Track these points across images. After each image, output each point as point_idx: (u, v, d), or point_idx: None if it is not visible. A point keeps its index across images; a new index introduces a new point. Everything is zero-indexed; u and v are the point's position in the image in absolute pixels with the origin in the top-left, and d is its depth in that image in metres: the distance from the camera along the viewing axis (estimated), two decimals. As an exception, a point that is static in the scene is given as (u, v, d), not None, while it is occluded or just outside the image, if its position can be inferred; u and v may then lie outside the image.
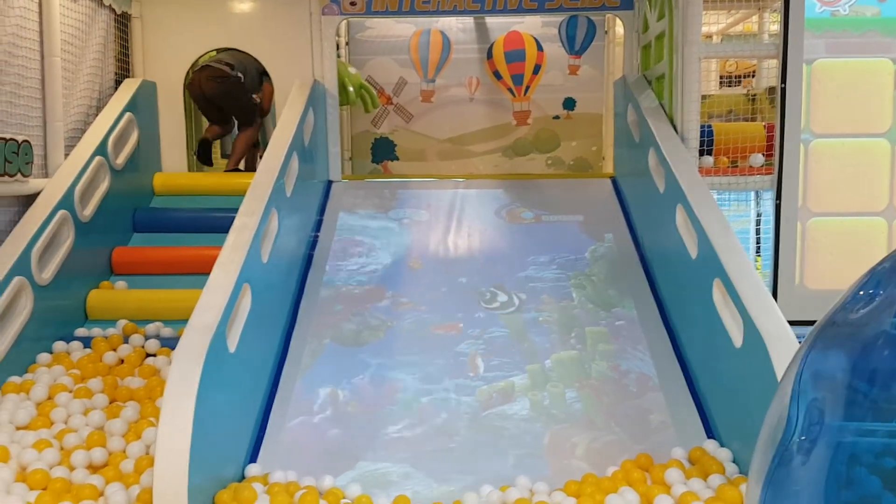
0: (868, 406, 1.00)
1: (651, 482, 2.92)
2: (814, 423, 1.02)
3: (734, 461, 3.00)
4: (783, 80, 4.02)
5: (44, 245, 3.73)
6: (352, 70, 6.12)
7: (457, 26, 6.56)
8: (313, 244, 4.63)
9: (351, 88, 5.89)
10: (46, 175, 4.10)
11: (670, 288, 4.04)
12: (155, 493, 2.47)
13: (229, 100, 5.26)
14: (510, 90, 6.35)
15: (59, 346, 3.76)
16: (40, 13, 4.07)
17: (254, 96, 5.45)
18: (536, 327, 3.97)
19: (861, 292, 1.09)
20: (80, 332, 3.97)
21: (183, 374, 2.65)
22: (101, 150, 4.36)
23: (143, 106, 5.02)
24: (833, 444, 0.98)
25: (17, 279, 3.49)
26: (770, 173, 4.16)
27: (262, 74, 5.42)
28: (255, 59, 5.39)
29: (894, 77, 4.18)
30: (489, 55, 6.46)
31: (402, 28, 6.57)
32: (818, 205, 4.10)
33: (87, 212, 4.16)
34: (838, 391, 1.02)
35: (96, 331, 3.95)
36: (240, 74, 5.38)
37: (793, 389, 1.06)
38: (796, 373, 1.08)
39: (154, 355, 3.77)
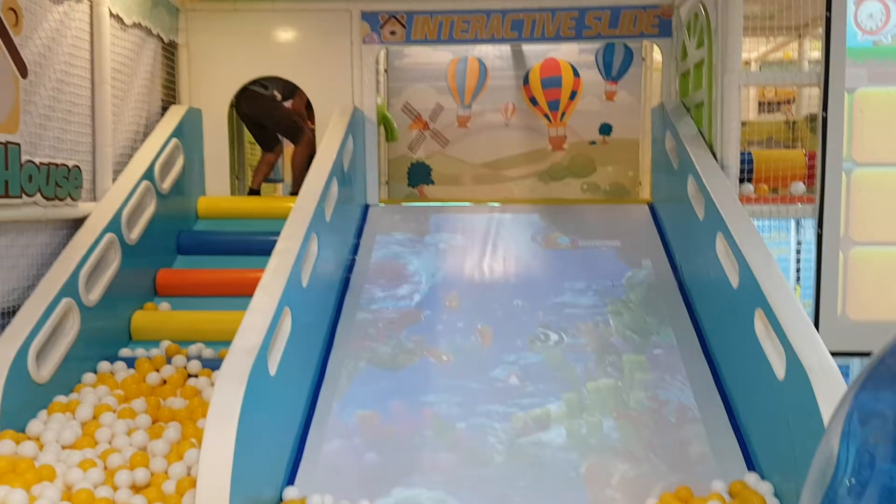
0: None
1: (691, 515, 2.88)
2: (864, 465, 1.01)
3: (776, 495, 2.95)
4: (825, 108, 3.99)
5: (91, 267, 3.83)
6: (378, 100, 6.22)
7: (493, 53, 6.63)
8: (350, 267, 4.68)
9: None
10: (94, 199, 4.22)
11: (710, 316, 4.00)
12: (196, 514, 2.51)
13: (268, 118, 5.44)
14: (546, 116, 6.40)
15: (104, 366, 3.84)
16: (91, 42, 4.22)
17: (289, 108, 5.61)
18: (573, 354, 3.95)
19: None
20: (125, 352, 4.06)
21: (226, 396, 2.70)
22: (148, 174, 4.49)
23: (189, 132, 5.16)
24: (885, 488, 0.97)
25: (65, 300, 3.59)
26: (811, 202, 4.11)
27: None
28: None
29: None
30: (525, 81, 6.52)
31: (439, 55, 6.66)
32: (860, 234, 4.03)
33: (134, 235, 4.27)
34: (890, 434, 1.01)
35: (140, 351, 4.04)
36: (275, 93, 5.55)
37: (843, 430, 1.06)
38: (846, 413, 1.07)
39: (196, 376, 3.83)
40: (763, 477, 3.08)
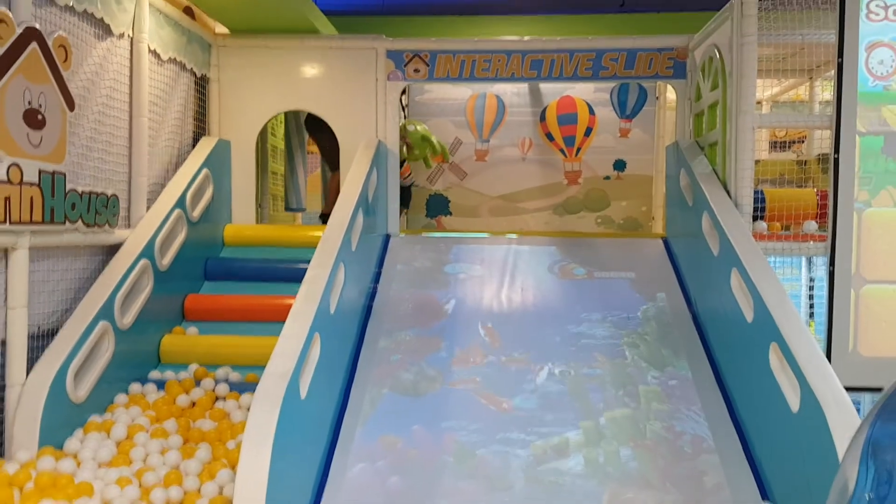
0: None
1: (707, 543, 2.96)
2: (882, 482, 1.12)
3: (790, 526, 3.03)
4: (836, 150, 4.13)
5: (126, 292, 3.97)
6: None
7: (511, 90, 6.84)
8: (373, 295, 4.81)
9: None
10: (129, 226, 4.38)
11: (725, 350, 4.10)
12: (232, 531, 2.61)
13: (315, 140, 5.59)
14: (562, 151, 6.57)
15: (136, 387, 3.97)
16: (131, 76, 4.41)
17: None
18: (590, 384, 4.05)
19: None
20: (154, 374, 4.18)
21: (262, 417, 2.81)
22: (180, 203, 4.65)
23: (218, 162, 5.33)
24: (902, 502, 1.08)
25: (102, 323, 3.73)
26: (823, 240, 4.23)
27: None
28: None
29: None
30: (542, 118, 6.71)
31: (459, 92, 6.87)
32: (871, 273, 4.15)
33: (166, 261, 4.42)
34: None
35: (169, 374, 4.17)
36: None
37: (862, 451, 1.17)
38: (866, 436, 1.19)
39: (224, 399, 3.95)
40: (777, 508, 3.16)
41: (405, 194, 6.38)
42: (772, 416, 3.32)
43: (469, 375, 4.15)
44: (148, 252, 4.23)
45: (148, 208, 4.50)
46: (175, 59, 4.94)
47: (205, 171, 5.04)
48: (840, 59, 4.17)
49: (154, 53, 4.60)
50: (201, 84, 5.48)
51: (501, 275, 5.09)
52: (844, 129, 4.13)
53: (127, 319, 3.97)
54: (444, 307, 4.75)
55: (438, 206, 6.92)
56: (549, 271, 5.13)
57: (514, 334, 4.48)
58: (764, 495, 3.32)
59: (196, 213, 4.87)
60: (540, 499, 3.37)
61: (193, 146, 5.27)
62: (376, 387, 4.07)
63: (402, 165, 6.10)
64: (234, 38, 5.57)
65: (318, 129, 5.85)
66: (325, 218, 6.02)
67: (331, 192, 6.10)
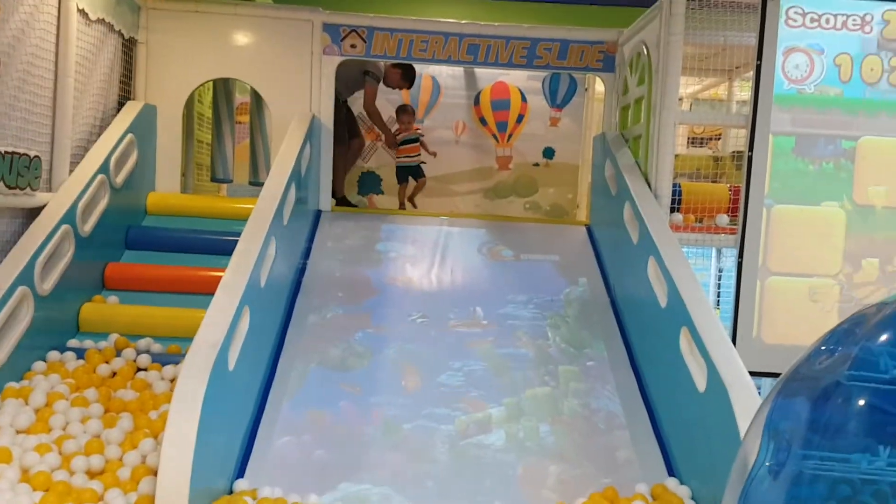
0: (824, 440, 1.25)
1: (617, 513, 3.15)
2: (781, 450, 1.26)
3: (693, 498, 3.24)
4: (751, 148, 4.38)
5: (47, 257, 3.86)
6: None
7: (447, 73, 6.89)
8: (303, 271, 4.82)
9: None
10: (50, 189, 4.23)
11: (639, 332, 4.32)
12: (157, 500, 2.61)
13: None
14: (494, 136, 6.69)
15: (54, 355, 3.87)
16: (58, 35, 4.24)
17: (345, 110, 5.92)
18: (513, 363, 4.20)
19: (823, 348, 1.35)
20: (73, 343, 4.08)
21: (190, 386, 2.81)
22: (103, 168, 4.52)
23: (143, 128, 5.19)
24: (797, 470, 1.22)
25: (21, 289, 3.61)
26: (734, 233, 4.49)
27: (366, 74, 5.88)
28: (362, 62, 5.79)
29: (852, 152, 4.56)
30: (476, 102, 6.80)
31: (394, 70, 6.85)
32: (776, 265, 4.44)
33: (87, 227, 4.30)
34: (801, 428, 1.26)
35: (88, 343, 4.07)
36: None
37: (764, 425, 1.31)
38: (768, 412, 1.33)
39: (145, 370, 3.90)
40: (682, 482, 3.38)
41: (415, 172, 6.42)
42: (680, 395, 3.54)
43: (397, 352, 4.23)
44: (70, 217, 4.11)
45: (70, 172, 4.36)
46: (103, 19, 4.77)
47: (129, 136, 4.91)
48: (759, 62, 4.41)
49: (82, 13, 4.44)
50: (129, 47, 5.31)
51: (432, 255, 5.18)
52: (759, 129, 4.39)
53: (47, 285, 3.86)
54: (374, 285, 4.80)
55: (370, 185, 6.93)
56: (478, 252, 5.26)
57: (444, 313, 4.58)
58: (670, 470, 3.55)
59: (119, 180, 4.75)
60: (461, 470, 3.49)
61: (119, 110, 5.12)
62: (304, 362, 4.10)
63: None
64: (165, 1, 5.41)
65: None
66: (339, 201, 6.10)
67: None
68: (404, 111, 6.50)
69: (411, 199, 6.50)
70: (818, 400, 1.27)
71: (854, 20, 4.43)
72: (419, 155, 6.48)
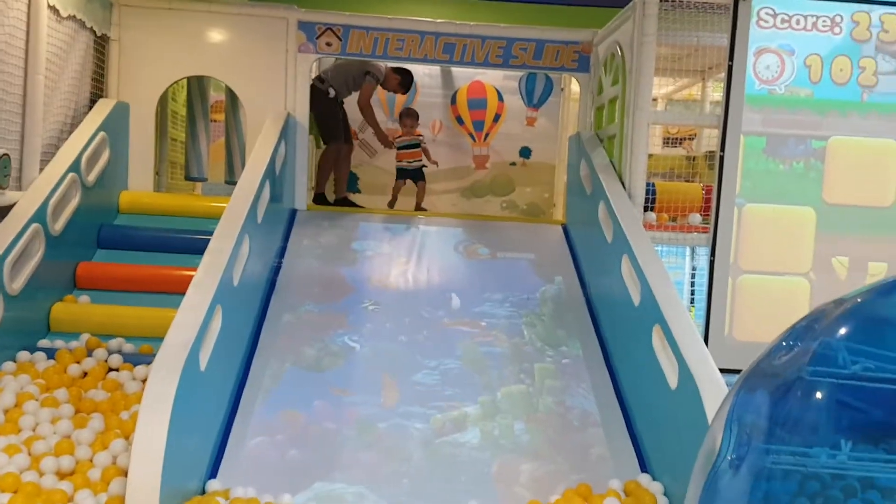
0: (785, 434, 1.27)
1: (590, 510, 3.17)
2: (742, 444, 1.28)
3: (665, 494, 3.28)
4: (722, 148, 4.43)
5: (16, 256, 3.80)
6: None
7: (423, 71, 6.89)
8: (277, 270, 4.79)
9: None
10: (20, 188, 4.18)
11: (613, 330, 4.35)
12: (128, 501, 2.59)
13: (313, 111, 5.59)
14: (471, 135, 6.70)
15: (23, 355, 3.82)
16: (28, 31, 4.18)
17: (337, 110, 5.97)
18: (489, 361, 4.21)
19: (784, 343, 1.38)
20: (44, 343, 4.03)
21: (160, 386, 2.79)
22: (74, 166, 4.47)
23: (115, 126, 5.14)
24: (757, 462, 1.24)
25: (-11, 288, 3.56)
26: (706, 232, 4.54)
27: (367, 74, 5.88)
28: (363, 63, 5.83)
29: (822, 152, 4.63)
30: (453, 101, 6.81)
31: (370, 68, 6.84)
32: (748, 263, 4.49)
33: (58, 226, 4.25)
34: (762, 421, 1.28)
35: (59, 343, 4.02)
36: (329, 89, 5.69)
37: (727, 419, 1.33)
38: (730, 406, 1.35)
39: (117, 370, 3.86)
40: (654, 478, 3.41)
41: (415, 175, 6.38)
42: (652, 392, 3.58)
43: (373, 351, 4.22)
44: (40, 216, 4.06)
45: (41, 170, 4.30)
46: (74, 16, 4.71)
47: (101, 134, 4.85)
48: (730, 63, 4.46)
49: (53, 9, 4.38)
50: (101, 44, 5.25)
51: (408, 254, 5.17)
52: (730, 129, 4.44)
53: (16, 285, 3.81)
54: (350, 284, 4.79)
55: (348, 184, 6.90)
56: (454, 251, 5.26)
57: (420, 312, 4.58)
58: (643, 466, 3.58)
59: (91, 178, 4.69)
60: (436, 469, 3.49)
61: (90, 108, 5.06)
62: (279, 361, 4.07)
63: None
64: (138, -2, 5.36)
65: (318, 100, 5.81)
66: (317, 199, 6.07)
67: (319, 169, 6.14)
68: (408, 115, 6.39)
69: (419, 206, 6.40)
70: (778, 394, 1.29)
71: (824, 21, 4.49)
72: (420, 160, 6.40)
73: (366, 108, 6.19)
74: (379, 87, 6.24)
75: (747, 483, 1.32)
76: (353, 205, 6.26)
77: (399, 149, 6.37)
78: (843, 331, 1.30)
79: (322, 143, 6.18)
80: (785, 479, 1.34)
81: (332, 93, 5.93)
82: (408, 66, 6.34)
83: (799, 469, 1.29)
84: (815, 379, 1.29)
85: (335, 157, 6.12)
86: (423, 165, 6.43)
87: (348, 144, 6.38)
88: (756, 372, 1.36)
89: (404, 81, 6.17)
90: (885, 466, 1.39)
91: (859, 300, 1.33)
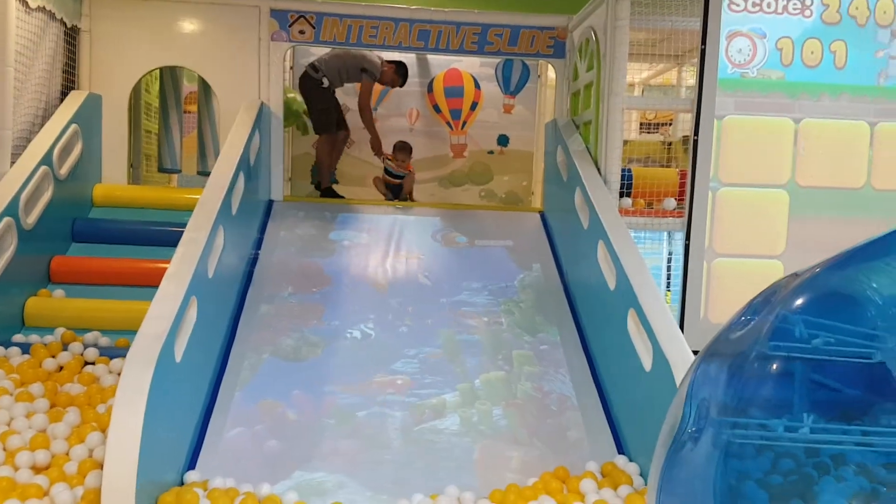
0: (743, 407, 1.29)
1: (567, 492, 3.19)
2: (702, 416, 1.30)
3: (641, 475, 3.31)
4: (696, 132, 4.46)
5: (-13, 251, 3.77)
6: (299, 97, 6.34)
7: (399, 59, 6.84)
8: (254, 261, 4.77)
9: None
10: (-10, 181, 4.13)
11: (590, 316, 4.38)
12: (104, 493, 2.58)
13: (306, 100, 5.55)
14: (448, 124, 6.69)
15: (-3, 350, 3.78)
16: (-6, 23, 4.13)
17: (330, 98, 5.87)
18: (468, 349, 4.22)
19: (742, 318, 1.40)
20: (18, 338, 4.00)
21: (135, 378, 2.77)
22: (46, 159, 4.42)
23: (88, 118, 5.08)
24: (717, 435, 1.26)
25: (-40, 283, 3.52)
26: (681, 216, 4.57)
27: (362, 71, 5.80)
28: (360, 57, 5.79)
29: (794, 134, 4.67)
30: (430, 89, 6.78)
31: (346, 57, 6.80)
32: (723, 247, 4.53)
33: (30, 220, 4.21)
34: (720, 395, 1.30)
35: (34, 337, 4.00)
36: (323, 78, 5.64)
37: (687, 392, 1.35)
38: (690, 380, 1.37)
39: (93, 363, 3.83)
40: (631, 459, 3.44)
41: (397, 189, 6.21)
42: (628, 375, 3.61)
43: (352, 341, 4.22)
44: (12, 210, 4.02)
45: (12, 164, 4.25)
46: (44, 7, 4.65)
47: (73, 126, 4.80)
48: (703, 47, 4.48)
49: (21, 0, 4.32)
50: (71, 35, 5.18)
51: (386, 243, 5.17)
52: (704, 113, 4.46)
53: (-12, 280, 3.77)
54: (327, 274, 4.78)
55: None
56: (432, 240, 5.27)
57: (398, 301, 4.58)
58: (619, 448, 3.61)
59: (64, 171, 4.65)
60: (416, 456, 3.50)
61: (62, 100, 5.00)
62: (256, 352, 4.07)
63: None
64: (109, -12, 5.29)
65: (312, 89, 5.76)
66: (318, 188, 6.06)
67: (319, 162, 6.12)
68: (402, 149, 6.20)
69: (409, 195, 6.28)
70: (735, 368, 1.31)
71: (794, 4, 4.52)
72: (401, 182, 6.25)
73: (365, 110, 6.04)
74: None
75: (708, 455, 1.34)
76: (337, 196, 6.19)
77: (385, 171, 6.21)
78: (798, 304, 1.32)
79: (315, 132, 6.13)
80: (757, 457, 1.37)
81: (325, 82, 5.85)
82: (386, 54, 6.32)
83: (762, 443, 1.31)
84: (772, 353, 1.31)
85: (330, 148, 6.06)
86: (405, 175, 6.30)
87: (344, 131, 6.30)
88: (715, 347, 1.38)
89: (400, 71, 6.09)
90: (849, 439, 1.42)
91: (815, 273, 1.35)
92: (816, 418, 1.41)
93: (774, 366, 1.30)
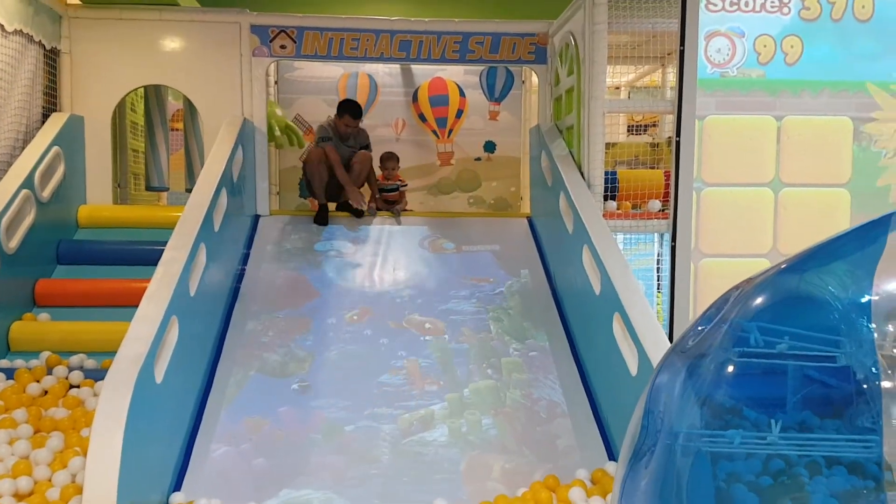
0: (695, 413, 1.27)
1: (557, 501, 3.17)
2: (658, 429, 1.28)
3: (631, 480, 3.28)
4: (678, 133, 4.44)
5: (-32, 277, 3.75)
6: (278, 111, 6.33)
7: (383, 70, 6.86)
8: (240, 277, 4.75)
9: (277, 132, 6.12)
10: (-29, 207, 4.11)
11: (578, 321, 4.36)
12: (83, 519, 2.55)
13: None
14: (434, 132, 6.68)
15: (-19, 377, 3.76)
16: (-30, 47, 4.12)
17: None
18: (456, 358, 4.20)
19: (699, 327, 1.38)
20: (3, 363, 3.98)
21: (111, 403, 2.75)
22: (27, 182, 4.40)
23: (70, 139, 5.07)
24: (668, 444, 1.24)
25: (-60, 311, 3.50)
26: (667, 217, 4.55)
27: (321, 139, 5.37)
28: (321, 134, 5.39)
29: (777, 132, 4.66)
30: (415, 99, 6.78)
31: (330, 70, 6.82)
32: (709, 247, 4.51)
33: (13, 244, 4.19)
34: (673, 404, 1.28)
35: (19, 362, 3.97)
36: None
37: (645, 405, 1.33)
38: (649, 391, 1.35)
39: (78, 386, 3.81)
40: (621, 465, 3.42)
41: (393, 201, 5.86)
42: (615, 380, 3.58)
43: (339, 354, 4.20)
44: (-8, 235, 4.00)
45: (-8, 188, 4.24)
46: (21, 30, 4.64)
47: (55, 148, 4.79)
48: (682, 47, 4.47)
49: (-4, 24, 4.32)
50: (51, 58, 5.17)
51: (374, 253, 5.15)
52: (685, 114, 4.45)
53: (-31, 306, 3.75)
54: (314, 287, 4.76)
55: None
56: (420, 248, 5.25)
57: (385, 311, 4.56)
58: (610, 454, 3.58)
59: (46, 194, 4.63)
60: (404, 468, 3.48)
61: (44, 123, 4.99)
62: (242, 369, 4.04)
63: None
64: (87, 10, 5.29)
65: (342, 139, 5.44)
66: (320, 216, 5.42)
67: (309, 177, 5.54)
68: (389, 158, 5.98)
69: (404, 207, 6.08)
70: (688, 376, 1.29)
71: (772, 2, 4.51)
72: (397, 192, 5.99)
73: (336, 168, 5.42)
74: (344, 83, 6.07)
75: (663, 462, 1.32)
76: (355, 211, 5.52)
77: (380, 190, 6.09)
78: (753, 309, 1.30)
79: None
80: (750, 459, 1.35)
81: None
82: (367, 65, 6.30)
83: (717, 451, 1.29)
84: (730, 359, 1.29)
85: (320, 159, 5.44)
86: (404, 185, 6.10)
87: (368, 150, 5.65)
88: (671, 355, 1.36)
89: (353, 112, 5.44)
90: (814, 445, 1.40)
91: (768, 277, 1.33)
92: (781, 423, 1.39)
93: (733, 374, 1.28)
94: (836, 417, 1.40)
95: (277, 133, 6.11)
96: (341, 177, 5.39)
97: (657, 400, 1.33)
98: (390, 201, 5.91)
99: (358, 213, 5.46)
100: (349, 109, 5.46)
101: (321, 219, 5.39)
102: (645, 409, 1.34)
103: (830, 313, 1.34)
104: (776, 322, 1.29)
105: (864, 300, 1.27)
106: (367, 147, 5.65)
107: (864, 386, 1.35)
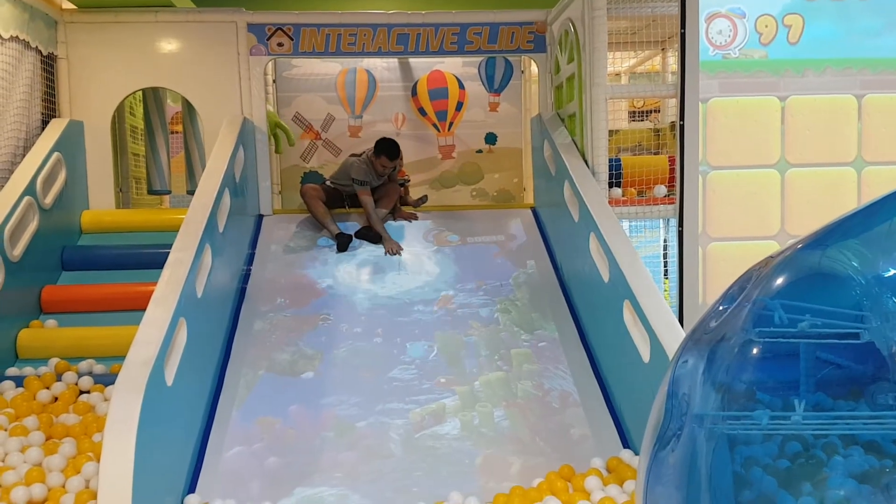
0: (720, 395, 1.24)
1: (573, 490, 3.15)
2: (683, 413, 1.25)
3: (647, 468, 3.26)
4: (681, 117, 4.41)
5: (-27, 286, 3.73)
6: (269, 107, 6.30)
7: (381, 65, 6.82)
8: (246, 277, 4.73)
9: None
10: (-27, 216, 4.09)
11: (587, 309, 4.33)
12: (98, 524, 2.54)
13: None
14: (435, 126, 6.64)
15: (-9, 386, 3.74)
16: (-33, 55, 4.10)
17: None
18: (465, 350, 4.18)
19: (720, 307, 1.35)
20: (12, 371, 3.96)
21: (123, 407, 2.73)
22: (29, 190, 4.38)
23: (71, 145, 5.05)
24: (694, 428, 1.22)
25: (-54, 321, 3.49)
26: (673, 203, 4.52)
27: (352, 181, 5.21)
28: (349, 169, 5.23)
29: (781, 112, 4.63)
30: (414, 93, 6.75)
31: (328, 67, 6.78)
32: (716, 231, 4.48)
33: (17, 252, 4.17)
34: (697, 387, 1.26)
35: (28, 370, 3.96)
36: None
37: (668, 389, 1.30)
38: (671, 375, 1.32)
39: (88, 392, 3.80)
40: (636, 453, 3.39)
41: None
42: (627, 367, 3.56)
43: (348, 351, 4.18)
44: (-4, 243, 3.98)
45: (-6, 197, 4.22)
46: (17, 37, 4.62)
47: (56, 154, 4.77)
48: (682, 30, 4.43)
49: (-9, 31, 4.29)
50: (49, 63, 5.15)
51: (379, 249, 5.12)
52: (688, 97, 4.41)
53: (-24, 315, 3.74)
54: (320, 285, 4.75)
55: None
56: (425, 242, 5.23)
57: (392, 307, 4.54)
58: (624, 442, 3.56)
59: (48, 200, 4.61)
60: (418, 463, 3.46)
61: (43, 129, 4.97)
62: (252, 369, 4.03)
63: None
64: (83, 14, 5.26)
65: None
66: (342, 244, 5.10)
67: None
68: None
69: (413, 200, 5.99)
70: (711, 358, 1.27)
71: (772, -18, 4.48)
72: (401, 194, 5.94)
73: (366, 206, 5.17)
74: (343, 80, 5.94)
75: (697, 450, 1.29)
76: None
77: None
78: (775, 288, 1.27)
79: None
80: (764, 442, 1.32)
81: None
82: (366, 60, 6.26)
83: (747, 432, 1.27)
84: (752, 339, 1.26)
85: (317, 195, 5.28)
86: (407, 180, 5.96)
87: (394, 185, 5.42)
88: (693, 337, 1.33)
89: (390, 154, 5.17)
90: (836, 424, 1.37)
91: (789, 255, 1.31)
92: (807, 402, 1.36)
93: (759, 354, 1.26)
94: (853, 398, 1.37)
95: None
96: (377, 227, 5.15)
97: (681, 383, 1.30)
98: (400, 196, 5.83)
99: (377, 239, 5.16)
100: (385, 150, 5.15)
101: (343, 247, 5.07)
102: (668, 393, 1.32)
103: (853, 289, 1.31)
104: (802, 299, 1.26)
105: (888, 274, 1.25)
106: (403, 184, 5.48)
107: (890, 362, 1.32)
